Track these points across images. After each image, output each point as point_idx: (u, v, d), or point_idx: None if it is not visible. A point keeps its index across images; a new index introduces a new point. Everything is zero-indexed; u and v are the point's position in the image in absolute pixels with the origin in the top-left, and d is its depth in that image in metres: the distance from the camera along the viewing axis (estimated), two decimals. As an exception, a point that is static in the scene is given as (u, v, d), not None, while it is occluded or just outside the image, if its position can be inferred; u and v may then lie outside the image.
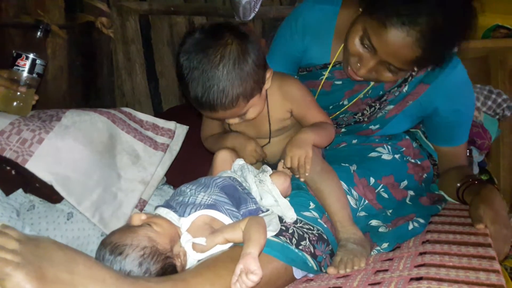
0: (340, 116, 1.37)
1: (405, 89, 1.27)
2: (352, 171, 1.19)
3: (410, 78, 1.25)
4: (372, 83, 1.27)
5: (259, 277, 0.80)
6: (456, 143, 1.36)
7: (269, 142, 1.22)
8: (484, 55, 2.26)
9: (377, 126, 1.35)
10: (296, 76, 1.38)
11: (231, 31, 1.03)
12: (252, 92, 1.05)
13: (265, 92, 1.14)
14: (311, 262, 0.96)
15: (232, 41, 1.01)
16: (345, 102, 1.33)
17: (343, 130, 1.39)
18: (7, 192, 1.08)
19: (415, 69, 1.17)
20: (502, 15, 2.10)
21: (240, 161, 1.15)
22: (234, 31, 1.04)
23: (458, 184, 1.26)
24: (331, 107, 1.35)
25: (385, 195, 1.21)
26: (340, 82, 1.31)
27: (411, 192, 1.26)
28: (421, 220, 1.16)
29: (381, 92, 1.28)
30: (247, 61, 1.02)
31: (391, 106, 1.31)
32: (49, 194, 1.10)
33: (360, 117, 1.34)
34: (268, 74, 1.11)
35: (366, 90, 1.29)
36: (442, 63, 1.15)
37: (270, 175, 1.08)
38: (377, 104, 1.30)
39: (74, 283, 0.71)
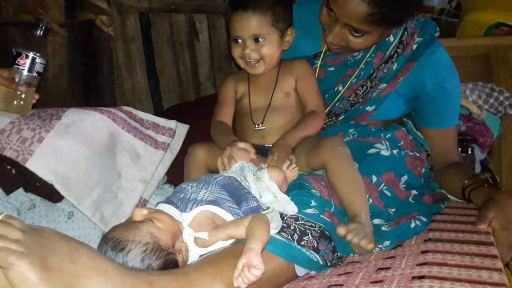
0: (336, 104, 1.41)
1: (394, 66, 1.35)
2: None
3: (396, 55, 1.34)
4: (362, 65, 1.35)
5: (262, 272, 0.80)
6: (445, 124, 1.41)
7: (267, 109, 1.31)
8: (486, 52, 2.25)
9: (373, 107, 1.38)
10: None
11: None
12: (279, 21, 1.26)
13: (282, 50, 1.32)
14: (316, 256, 0.96)
15: None
16: (340, 88, 1.39)
17: (341, 118, 1.41)
18: (8, 191, 1.08)
19: (377, 30, 1.23)
20: (504, 12, 2.09)
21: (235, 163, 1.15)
22: None
23: (466, 181, 1.26)
24: (327, 95, 1.41)
25: (388, 193, 1.21)
26: (332, 69, 1.41)
27: (414, 192, 1.27)
28: (423, 219, 1.15)
29: (371, 71, 1.36)
30: (287, 3, 1.29)
31: (384, 85, 1.36)
32: (50, 193, 1.10)
33: (354, 98, 1.38)
34: (290, 32, 1.32)
35: (358, 72, 1.37)
36: (399, 23, 1.28)
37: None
38: (368, 82, 1.36)
39: (76, 273, 0.71)
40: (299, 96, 1.34)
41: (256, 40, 1.26)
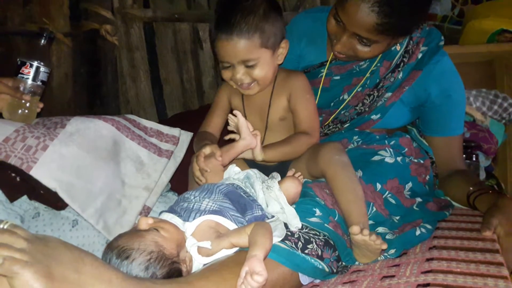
0: (342, 112, 1.40)
1: (399, 75, 1.34)
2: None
3: (402, 64, 1.34)
4: (368, 74, 1.35)
5: (264, 278, 0.79)
6: (450, 132, 1.40)
7: (265, 133, 1.27)
8: (490, 59, 2.25)
9: (378, 115, 1.38)
10: None
11: None
12: (268, 39, 1.16)
13: (276, 65, 1.23)
14: (321, 263, 0.95)
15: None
16: (345, 97, 1.39)
17: (346, 125, 1.41)
18: (12, 199, 1.09)
19: (385, 39, 1.22)
20: (507, 19, 2.09)
21: (235, 168, 1.13)
22: None
23: (471, 188, 1.26)
24: (332, 103, 1.40)
25: (393, 201, 1.20)
26: (338, 77, 1.40)
27: (418, 199, 1.26)
28: (428, 226, 1.15)
29: (377, 80, 1.35)
30: (273, 11, 1.17)
31: (389, 94, 1.36)
32: (54, 201, 1.11)
33: (361, 108, 1.38)
34: (284, 44, 1.22)
35: (363, 81, 1.36)
36: (407, 32, 1.27)
37: (282, 180, 1.08)
38: (375, 92, 1.36)
39: (81, 282, 0.71)
40: (292, 113, 1.27)
41: (246, 64, 1.16)
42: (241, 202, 1.02)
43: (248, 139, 1.14)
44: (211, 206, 0.98)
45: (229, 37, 1.12)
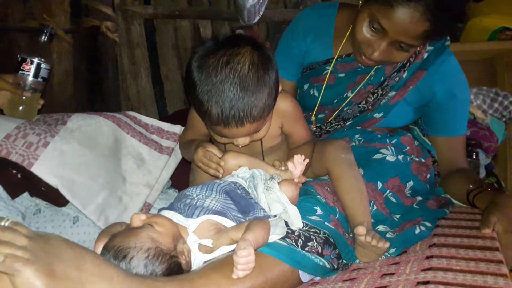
0: (345, 109, 1.39)
1: (404, 75, 1.34)
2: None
3: (408, 64, 1.33)
4: (372, 72, 1.35)
5: (247, 252, 0.80)
6: (453, 132, 1.40)
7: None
8: (490, 57, 2.25)
9: (381, 114, 1.38)
10: (300, 77, 1.48)
11: (246, 40, 0.98)
12: (273, 103, 1.01)
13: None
14: (321, 260, 0.96)
15: (252, 49, 0.96)
16: (349, 94, 1.39)
17: (348, 123, 1.41)
18: (13, 196, 1.09)
19: (425, 43, 1.24)
20: (508, 17, 2.09)
21: (245, 168, 1.11)
22: (249, 40, 0.98)
23: (471, 186, 1.26)
24: (335, 101, 1.40)
25: (393, 200, 1.21)
26: (343, 75, 1.39)
27: (419, 198, 1.26)
28: (428, 224, 1.15)
29: (382, 78, 1.35)
30: (272, 68, 0.98)
31: (393, 93, 1.35)
32: (55, 198, 1.11)
33: (364, 105, 1.37)
34: (281, 88, 1.05)
35: (367, 79, 1.36)
36: (446, 34, 1.28)
37: (279, 183, 1.07)
38: (379, 90, 1.35)
39: (82, 280, 0.71)
40: (287, 136, 1.18)
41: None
42: (242, 203, 1.01)
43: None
44: (214, 205, 0.97)
45: (239, 125, 0.95)
